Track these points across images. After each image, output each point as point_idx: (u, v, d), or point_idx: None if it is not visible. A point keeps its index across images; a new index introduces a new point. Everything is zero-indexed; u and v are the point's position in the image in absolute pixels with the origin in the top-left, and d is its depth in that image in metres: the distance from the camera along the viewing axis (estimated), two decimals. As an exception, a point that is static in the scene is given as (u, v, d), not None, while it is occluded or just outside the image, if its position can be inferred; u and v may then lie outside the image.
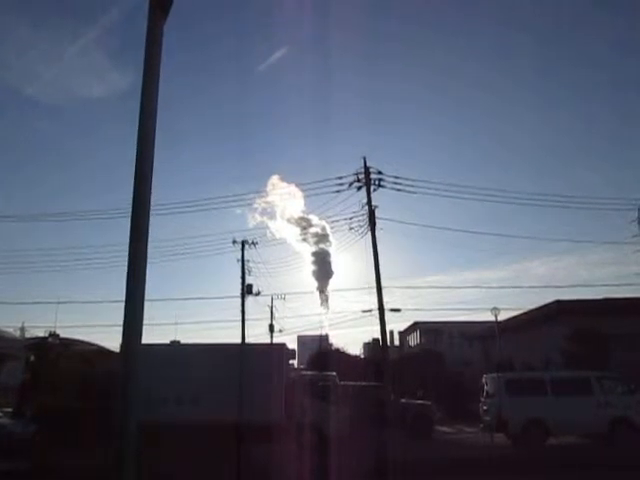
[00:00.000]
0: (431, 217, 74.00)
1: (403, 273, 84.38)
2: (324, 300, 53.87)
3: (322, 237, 40.45)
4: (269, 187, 45.77)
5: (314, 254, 50.82)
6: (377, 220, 20.80)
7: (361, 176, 21.15)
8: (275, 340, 42.66)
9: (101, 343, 31.05)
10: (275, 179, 49.27)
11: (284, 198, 34.42)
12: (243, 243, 31.86)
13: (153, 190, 4.27)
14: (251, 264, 32.09)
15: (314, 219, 39.96)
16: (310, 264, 52.56)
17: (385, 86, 79.59)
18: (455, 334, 45.84)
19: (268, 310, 43.07)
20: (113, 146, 75.47)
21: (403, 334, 58.17)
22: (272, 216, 49.26)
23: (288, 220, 46.05)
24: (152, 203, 4.22)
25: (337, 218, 22.20)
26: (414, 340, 54.99)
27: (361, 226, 21.29)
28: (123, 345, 3.86)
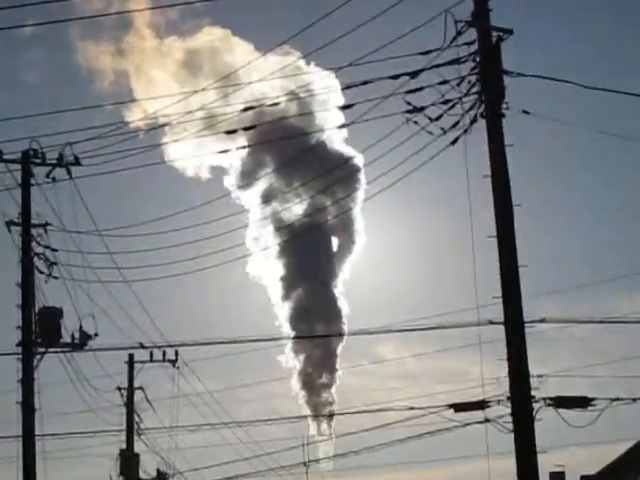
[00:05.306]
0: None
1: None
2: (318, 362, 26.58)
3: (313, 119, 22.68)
4: None
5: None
6: (507, 87, 10.43)
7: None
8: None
9: None
10: None
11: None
12: (26, 158, 15.09)
13: None
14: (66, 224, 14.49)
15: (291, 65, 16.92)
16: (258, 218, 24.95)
17: None
18: None
19: (116, 395, 23.92)
20: None
21: None
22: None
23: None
24: None
25: (380, 86, 10.89)
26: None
27: (450, 102, 10.72)
28: None
